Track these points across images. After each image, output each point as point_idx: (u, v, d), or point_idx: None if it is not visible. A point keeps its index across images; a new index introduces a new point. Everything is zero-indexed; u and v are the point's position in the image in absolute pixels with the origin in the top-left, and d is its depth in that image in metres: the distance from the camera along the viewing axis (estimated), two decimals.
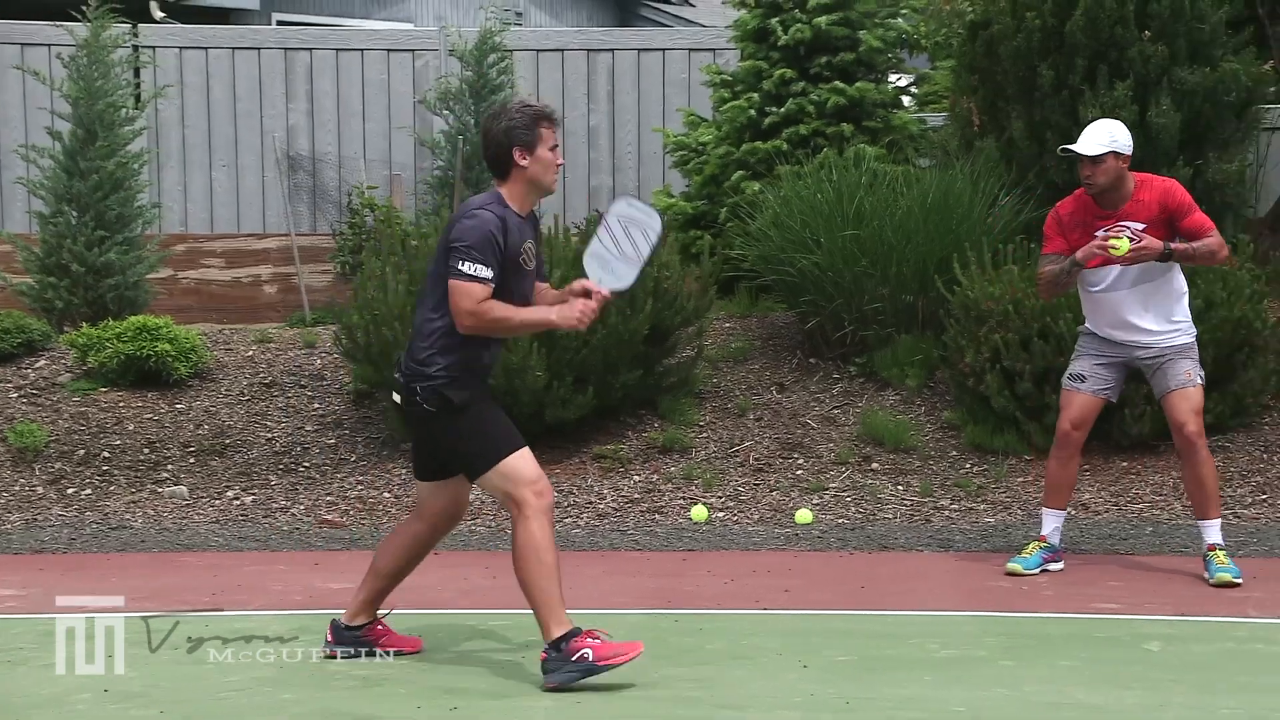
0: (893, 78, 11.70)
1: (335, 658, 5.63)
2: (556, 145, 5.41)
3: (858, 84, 10.77)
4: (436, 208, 11.34)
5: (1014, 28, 9.77)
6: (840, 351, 9.89)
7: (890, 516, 8.33)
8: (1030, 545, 7.11)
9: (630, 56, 12.56)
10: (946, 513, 8.36)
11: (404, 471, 8.97)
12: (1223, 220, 9.64)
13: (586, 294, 5.39)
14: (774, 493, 8.68)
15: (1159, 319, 6.86)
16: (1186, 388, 6.82)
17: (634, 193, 12.42)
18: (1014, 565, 7.01)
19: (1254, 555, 7.33)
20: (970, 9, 10.68)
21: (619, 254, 5.44)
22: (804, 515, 8.31)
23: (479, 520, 8.41)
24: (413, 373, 5.34)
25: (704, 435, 9.29)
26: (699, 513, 8.35)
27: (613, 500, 8.66)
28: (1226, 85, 9.61)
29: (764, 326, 10.52)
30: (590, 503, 8.59)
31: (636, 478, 8.87)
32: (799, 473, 8.88)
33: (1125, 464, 8.67)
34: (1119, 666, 5.54)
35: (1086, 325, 7.12)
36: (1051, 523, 7.09)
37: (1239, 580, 6.71)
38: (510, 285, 5.33)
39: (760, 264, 10.09)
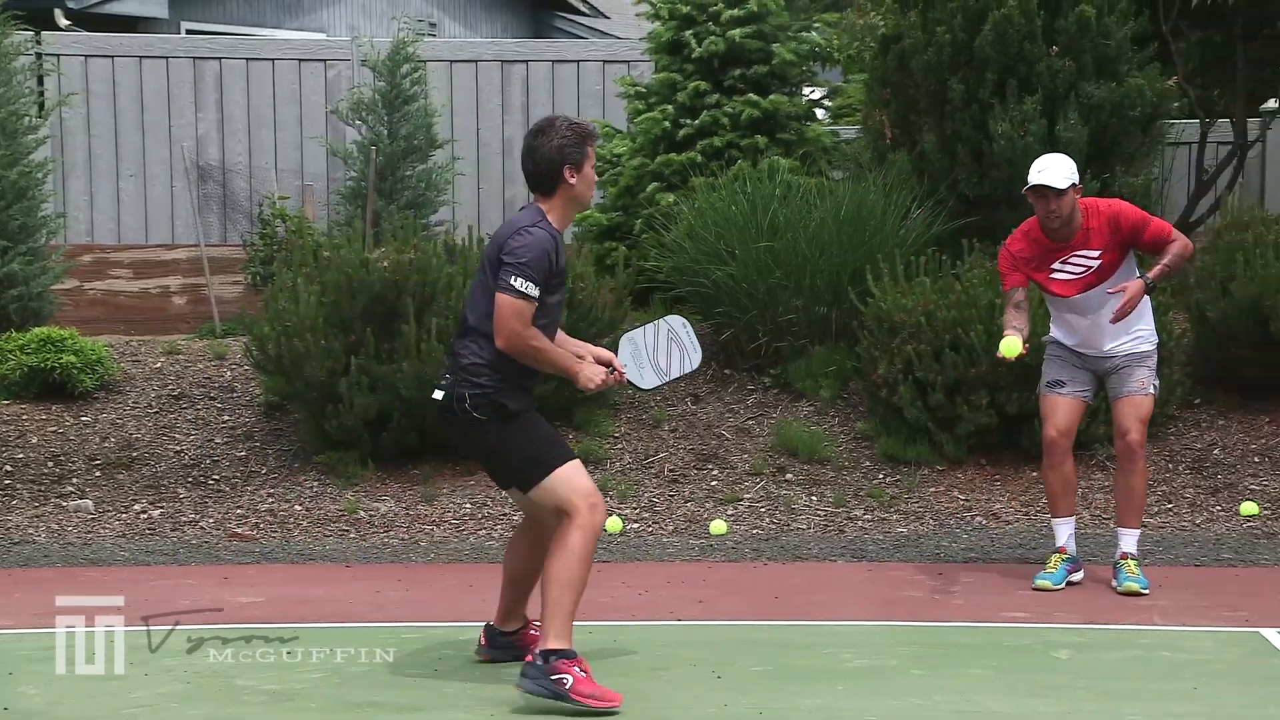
0: (806, 91, 11.78)
1: (489, 661, 5.67)
2: (594, 164, 5.44)
3: (771, 97, 10.82)
4: (349, 218, 11.25)
5: (925, 42, 9.87)
6: (755, 363, 9.92)
7: (804, 527, 8.36)
8: (1052, 559, 7.01)
9: (545, 68, 12.55)
10: (860, 523, 8.40)
11: (316, 483, 8.89)
12: None
13: (608, 366, 5.44)
14: (689, 504, 8.68)
15: (1124, 331, 6.85)
16: (1136, 395, 6.86)
17: None
18: (1042, 581, 6.90)
19: (1159, 564, 7.42)
20: (882, 23, 10.77)
21: (652, 359, 5.59)
22: (718, 526, 8.32)
23: (391, 533, 8.34)
24: (462, 379, 5.27)
25: (619, 446, 9.27)
26: (613, 524, 8.33)
27: None
28: (1132, 100, 9.75)
29: None
30: (504, 514, 8.54)
31: None
32: (714, 484, 8.89)
33: (1035, 474, 8.74)
34: (1029, 674, 5.58)
35: (1053, 335, 7.11)
36: (1064, 531, 7.01)
37: (1146, 590, 6.79)
38: (548, 303, 5.31)
39: (675, 275, 10.10)
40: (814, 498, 8.71)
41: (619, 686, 5.26)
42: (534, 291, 5.16)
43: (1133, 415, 6.84)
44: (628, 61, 12.33)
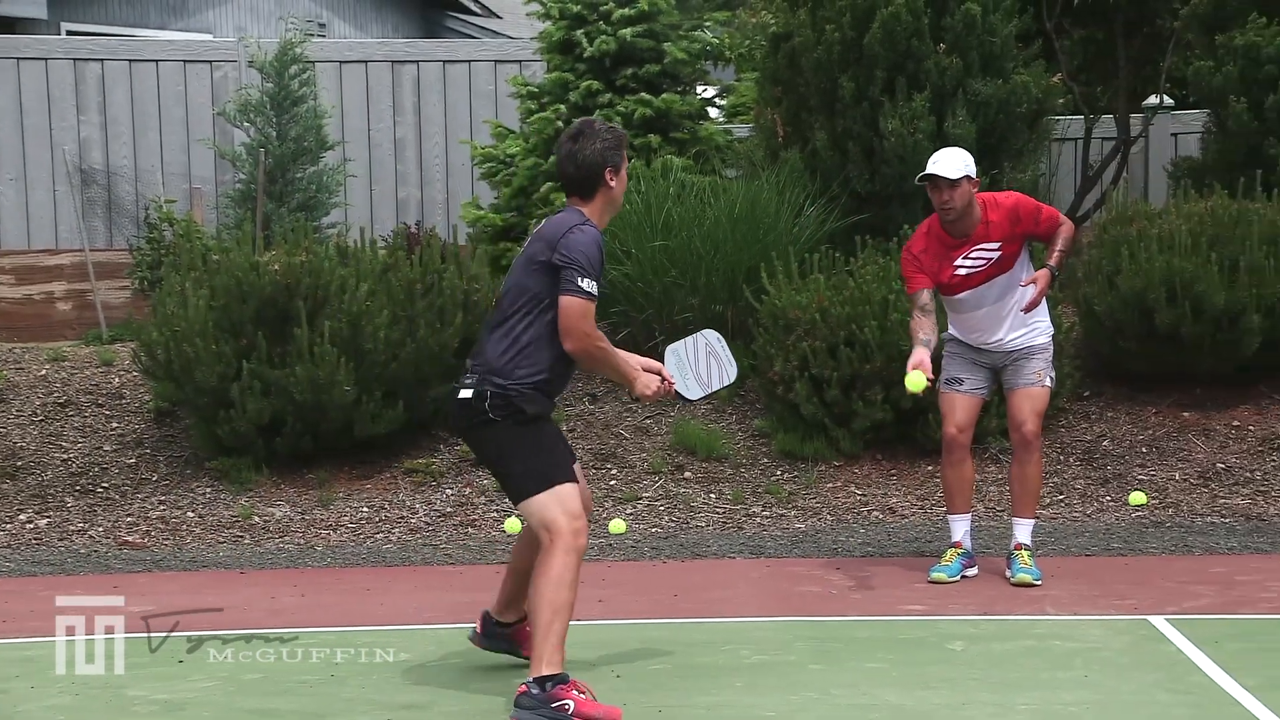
0: (699, 89, 11.81)
1: (482, 647, 5.67)
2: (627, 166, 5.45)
3: (664, 96, 10.83)
4: (239, 221, 11.10)
5: (814, 40, 9.93)
6: None
7: (703, 525, 8.38)
8: (948, 553, 7.07)
9: (436, 68, 12.47)
10: (758, 520, 8.43)
11: (209, 490, 8.76)
12: None
13: (659, 375, 5.46)
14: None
15: (1021, 323, 6.92)
16: (1032, 387, 6.94)
17: (443, 205, 12.35)
18: (938, 574, 6.97)
19: (1051, 555, 7.53)
20: (772, 21, 10.82)
21: (694, 370, 5.71)
22: (617, 525, 8.31)
23: (287, 538, 8.24)
24: (486, 377, 5.20)
25: None
26: (512, 525, 8.29)
27: (425, 515, 8.56)
28: (1018, 97, 9.88)
29: None
30: (402, 517, 8.48)
31: (449, 491, 8.78)
32: (612, 483, 8.88)
33: (931, 468, 8.84)
34: (924, 667, 5.63)
35: (951, 331, 7.16)
36: (961, 528, 7.07)
37: (1038, 581, 6.88)
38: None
39: None
40: (712, 495, 8.74)
41: (515, 687, 5.25)
42: (596, 291, 5.14)
43: (1028, 407, 6.92)
44: (520, 61, 12.27)
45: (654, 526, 8.35)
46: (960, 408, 7.01)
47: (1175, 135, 12.10)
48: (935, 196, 6.81)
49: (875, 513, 8.45)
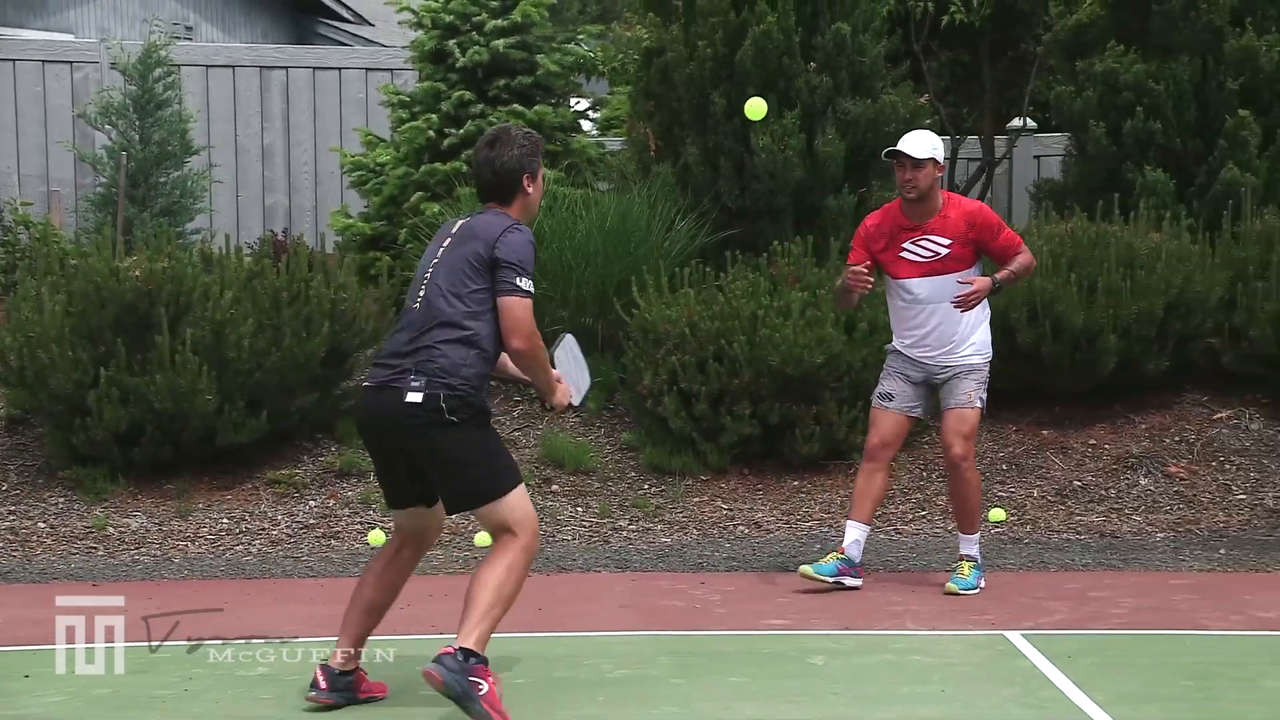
0: (572, 102, 11.80)
1: (330, 705, 5.26)
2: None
3: (536, 108, 10.81)
4: (99, 226, 10.86)
5: (687, 55, 9.98)
6: None
7: (569, 538, 8.35)
8: (829, 555, 7.08)
9: (305, 75, 12.33)
10: (625, 533, 8.42)
11: (61, 500, 8.55)
12: None
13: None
14: (453, 516, 8.59)
15: (960, 338, 6.99)
16: (963, 409, 7.00)
17: (311, 212, 12.20)
18: (806, 568, 6.99)
19: (913, 569, 7.62)
20: (646, 36, 10.86)
21: (572, 376, 5.57)
22: (483, 538, 8.24)
23: (143, 549, 8.06)
24: (438, 378, 5.08)
25: None
26: (376, 537, 8.18)
27: (287, 526, 8.43)
28: (886, 116, 10.01)
29: None
30: (263, 529, 8.34)
31: (312, 503, 8.66)
32: None
33: (796, 483, 8.91)
34: (785, 681, 5.66)
35: (893, 344, 7.19)
36: (852, 534, 7.06)
37: (963, 592, 7.00)
38: None
39: None
40: (579, 509, 8.72)
41: (378, 702, 5.18)
42: (532, 290, 5.18)
43: (956, 430, 7.00)
44: (391, 69, 12.18)
45: None
46: (886, 423, 7.07)
47: (1038, 158, 12.36)
48: (900, 174, 6.93)
49: (741, 527, 8.48)
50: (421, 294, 5.22)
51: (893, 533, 8.39)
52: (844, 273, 7.07)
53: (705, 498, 8.80)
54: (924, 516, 8.63)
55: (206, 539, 8.24)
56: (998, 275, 6.94)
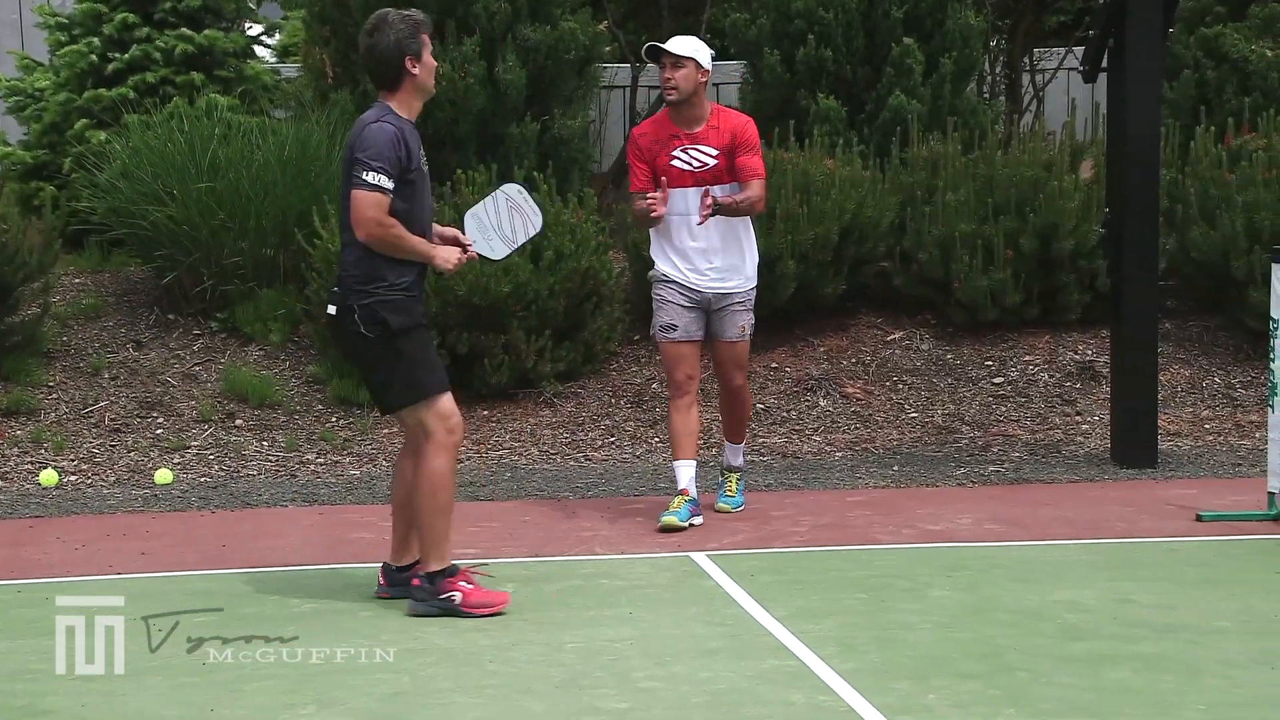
0: (244, 26, 11.43)
1: (388, 598, 5.72)
2: (430, 50, 5.57)
3: (206, 32, 10.45)
4: None
5: None
6: (200, 307, 9.60)
7: (255, 473, 8.18)
8: (676, 500, 6.96)
9: None
10: (312, 467, 8.30)
11: None
12: (569, 175, 10.11)
13: (458, 244, 5.68)
14: (132, 453, 8.32)
15: (728, 263, 6.93)
16: (737, 342, 7.03)
17: None
18: (668, 519, 6.85)
19: (602, 495, 7.73)
20: None
21: (497, 229, 5.82)
22: (164, 475, 8.01)
23: None
24: (348, 291, 5.42)
25: (54, 396, 8.78)
26: (48, 477, 7.88)
27: None
28: (566, 43, 10.02)
29: (118, 282, 10.05)
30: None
31: None
32: (159, 432, 8.56)
33: (486, 412, 8.93)
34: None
35: (656, 271, 7.01)
36: (686, 474, 6.97)
37: (734, 509, 7.20)
38: (420, 195, 5.50)
39: (111, 217, 9.63)
40: (265, 443, 8.55)
41: (45, 647, 5.01)
42: (386, 184, 5.32)
43: (734, 363, 7.07)
44: None
45: (203, 476, 8.10)
46: (685, 353, 6.99)
47: (717, 85, 12.55)
48: (661, 75, 6.86)
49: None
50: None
51: (582, 459, 8.49)
52: (633, 204, 6.96)
53: (395, 429, 8.70)
54: (613, 443, 8.75)
55: None
56: (721, 197, 6.80)
